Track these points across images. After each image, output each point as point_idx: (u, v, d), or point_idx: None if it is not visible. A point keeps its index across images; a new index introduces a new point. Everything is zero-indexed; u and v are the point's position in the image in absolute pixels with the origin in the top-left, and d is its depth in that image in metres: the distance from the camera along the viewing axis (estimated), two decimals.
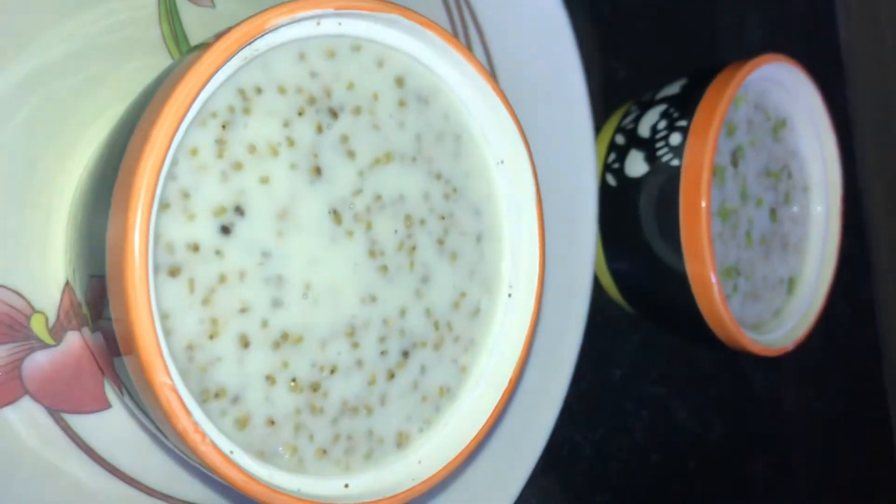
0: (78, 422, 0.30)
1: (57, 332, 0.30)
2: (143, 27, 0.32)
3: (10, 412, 0.29)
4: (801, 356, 0.50)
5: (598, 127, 0.46)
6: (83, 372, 0.30)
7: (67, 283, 0.30)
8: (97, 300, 0.25)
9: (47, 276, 0.30)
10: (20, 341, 0.29)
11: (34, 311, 0.29)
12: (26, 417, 0.29)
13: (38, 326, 0.29)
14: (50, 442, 0.29)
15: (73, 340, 0.30)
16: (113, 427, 0.30)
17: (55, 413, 0.29)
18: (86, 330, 0.28)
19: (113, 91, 0.31)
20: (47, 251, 0.30)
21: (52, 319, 0.30)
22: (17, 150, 0.29)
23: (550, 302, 0.40)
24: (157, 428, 0.25)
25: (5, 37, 0.29)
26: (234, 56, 0.24)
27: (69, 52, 0.30)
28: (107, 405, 0.30)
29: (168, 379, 0.23)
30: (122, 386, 0.26)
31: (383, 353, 0.28)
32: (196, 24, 0.33)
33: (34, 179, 0.30)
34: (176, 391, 0.23)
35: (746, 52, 0.49)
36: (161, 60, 0.32)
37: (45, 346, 0.29)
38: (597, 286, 0.46)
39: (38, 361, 0.29)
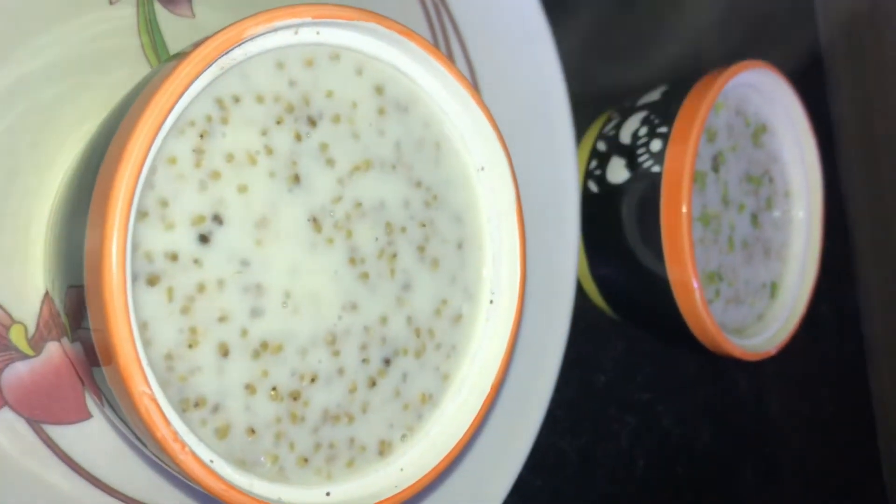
0: (58, 432, 0.30)
1: (36, 343, 0.30)
2: (123, 37, 0.32)
3: None
4: (786, 360, 0.50)
5: (580, 134, 0.47)
6: (63, 382, 0.30)
7: (47, 294, 0.30)
8: (76, 310, 0.25)
9: (26, 287, 0.30)
10: None
11: (13, 321, 0.29)
12: (6, 428, 0.29)
13: (17, 337, 0.29)
14: (30, 453, 0.29)
15: (53, 351, 0.30)
16: (93, 437, 0.30)
17: (35, 424, 0.29)
18: (65, 340, 0.28)
19: (93, 101, 0.31)
20: (27, 261, 0.30)
21: (31, 330, 0.30)
22: None
23: (533, 308, 0.40)
24: (138, 438, 0.25)
25: None
26: (211, 65, 0.24)
27: (49, 63, 0.30)
28: (87, 415, 0.30)
29: (147, 389, 0.23)
30: (103, 396, 0.26)
31: (364, 360, 0.28)
32: (176, 35, 0.33)
33: (14, 189, 0.30)
34: (155, 401, 0.23)
35: (727, 56, 0.49)
36: (141, 70, 0.32)
37: (25, 356, 0.29)
38: (580, 292, 0.46)
39: (18, 372, 0.29)
